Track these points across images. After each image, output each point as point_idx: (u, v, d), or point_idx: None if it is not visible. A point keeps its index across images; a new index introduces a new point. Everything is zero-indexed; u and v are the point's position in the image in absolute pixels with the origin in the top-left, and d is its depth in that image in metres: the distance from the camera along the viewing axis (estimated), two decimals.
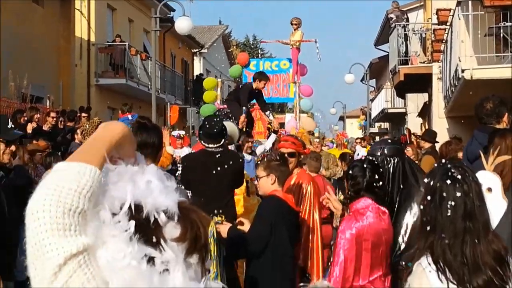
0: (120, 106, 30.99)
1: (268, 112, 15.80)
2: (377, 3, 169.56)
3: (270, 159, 6.75)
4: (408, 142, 17.24)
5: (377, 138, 35.62)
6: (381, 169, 5.40)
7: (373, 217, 5.20)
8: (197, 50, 47.67)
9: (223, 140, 8.72)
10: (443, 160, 3.42)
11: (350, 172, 5.46)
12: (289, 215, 6.49)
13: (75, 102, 26.99)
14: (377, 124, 50.48)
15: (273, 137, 13.27)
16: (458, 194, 3.16)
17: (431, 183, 3.26)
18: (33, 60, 23.42)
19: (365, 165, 5.37)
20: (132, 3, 35.00)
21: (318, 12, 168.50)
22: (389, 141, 6.05)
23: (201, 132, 8.92)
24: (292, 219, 6.57)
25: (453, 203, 3.15)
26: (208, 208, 7.84)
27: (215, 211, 8.00)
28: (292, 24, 20.09)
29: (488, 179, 4.72)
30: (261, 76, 15.89)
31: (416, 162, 14.41)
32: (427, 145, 13.64)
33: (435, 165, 3.44)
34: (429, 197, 3.23)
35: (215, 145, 8.53)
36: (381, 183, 5.31)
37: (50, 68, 25.62)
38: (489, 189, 4.63)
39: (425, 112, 28.65)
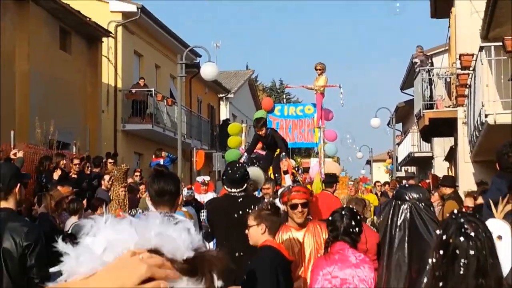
0: (146, 152, 31.42)
1: (283, 154, 15.83)
2: (404, 47, 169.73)
3: (261, 208, 6.66)
4: (432, 187, 17.19)
5: (404, 182, 35.49)
6: (358, 217, 6.02)
7: (343, 258, 5.73)
8: (223, 95, 48.00)
9: (245, 184, 8.91)
10: (456, 212, 3.41)
11: (330, 218, 6.12)
12: (284, 264, 6.41)
13: (102, 148, 27.25)
14: (403, 168, 50.31)
15: (287, 178, 13.29)
16: (472, 252, 3.13)
17: (444, 237, 3.22)
18: (60, 106, 23.72)
19: (343, 212, 6.04)
20: (159, 49, 35.44)
21: (343, 57, 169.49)
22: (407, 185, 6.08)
23: (224, 177, 9.14)
24: (286, 268, 6.49)
25: (466, 261, 3.12)
26: (230, 252, 7.95)
27: (236, 254, 8.16)
28: (316, 69, 20.15)
29: (498, 227, 4.76)
30: (254, 123, 16.11)
31: (440, 207, 14.47)
32: (448, 190, 13.66)
33: (448, 215, 3.44)
34: (441, 252, 3.20)
35: (238, 190, 8.74)
36: (357, 229, 5.88)
37: (77, 114, 25.92)
38: (499, 237, 4.67)
39: (452, 156, 28.58)
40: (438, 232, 3.31)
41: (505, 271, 3.43)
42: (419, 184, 21.62)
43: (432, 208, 5.40)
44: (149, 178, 5.90)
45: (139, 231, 2.10)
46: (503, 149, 6.99)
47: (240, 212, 8.53)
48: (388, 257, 5.31)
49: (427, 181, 22.88)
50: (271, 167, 15.92)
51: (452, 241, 3.18)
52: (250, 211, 8.40)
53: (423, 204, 5.25)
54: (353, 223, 5.95)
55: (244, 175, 8.91)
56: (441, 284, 3.18)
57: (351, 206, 10.35)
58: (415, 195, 5.30)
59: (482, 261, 3.13)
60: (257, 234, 6.50)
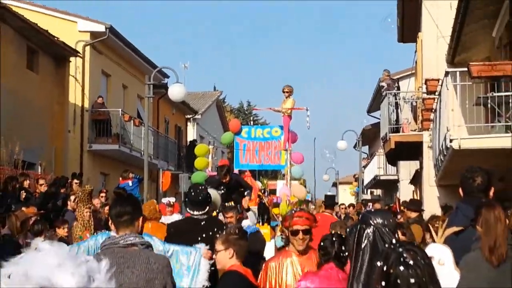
0: (112, 172, 31.23)
1: (248, 192, 15.83)
2: (371, 70, 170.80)
3: (228, 232, 6.64)
4: (398, 211, 17.24)
5: (370, 205, 35.72)
6: (345, 242, 6.34)
7: (329, 275, 6.10)
8: (190, 116, 47.98)
9: (208, 207, 8.92)
10: (394, 242, 3.42)
11: (322, 244, 6.41)
12: None
13: (67, 168, 27.06)
14: (369, 191, 50.53)
15: (251, 214, 13.34)
16: (412, 280, 3.13)
17: (384, 268, 3.23)
18: (26, 126, 23.56)
19: (334, 238, 6.38)
20: (127, 70, 35.35)
21: (311, 79, 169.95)
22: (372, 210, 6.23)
23: (186, 199, 9.16)
24: None
25: None
26: None
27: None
28: (284, 92, 20.21)
29: (440, 251, 4.82)
30: (217, 170, 16.10)
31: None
32: (413, 214, 13.69)
33: (386, 246, 3.46)
34: (383, 283, 3.20)
35: (200, 212, 8.75)
36: (346, 254, 6.19)
37: (43, 134, 25.75)
38: (441, 262, 4.73)
39: (417, 179, 28.73)
40: (378, 263, 3.31)
41: None
42: (386, 208, 21.73)
43: (396, 234, 5.42)
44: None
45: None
46: (467, 174, 6.99)
47: (204, 235, 8.53)
48: (352, 282, 5.33)
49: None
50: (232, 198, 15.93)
51: (392, 271, 3.19)
52: (213, 233, 8.41)
53: (387, 229, 5.29)
54: (343, 248, 6.26)
55: (206, 198, 8.95)
56: None
57: (335, 230, 10.38)
58: (379, 220, 5.33)
59: None
60: (224, 258, 6.46)
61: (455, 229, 5.67)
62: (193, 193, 8.89)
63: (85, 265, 2.47)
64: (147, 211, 12.33)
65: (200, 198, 8.82)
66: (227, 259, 6.43)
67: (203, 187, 9.49)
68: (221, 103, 61.55)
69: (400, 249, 3.26)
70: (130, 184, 20.89)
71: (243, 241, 6.57)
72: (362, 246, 5.19)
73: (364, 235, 5.24)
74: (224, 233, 6.74)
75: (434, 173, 21.66)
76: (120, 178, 21.48)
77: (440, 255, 4.76)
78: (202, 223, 8.72)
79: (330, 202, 15.81)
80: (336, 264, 6.20)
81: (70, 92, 28.68)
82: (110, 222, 6.13)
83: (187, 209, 9.17)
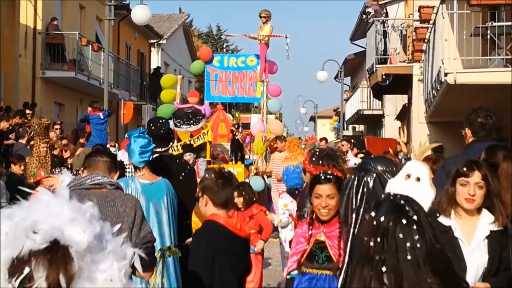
0: (68, 102, 31.00)
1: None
2: None
3: (204, 177, 6.20)
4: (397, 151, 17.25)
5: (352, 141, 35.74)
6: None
7: None
8: (155, 41, 47.46)
9: (171, 143, 8.78)
10: (392, 193, 3.39)
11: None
12: (230, 242, 5.87)
13: (18, 96, 26.84)
14: (351, 126, 50.58)
15: None
16: (416, 236, 3.12)
17: (381, 219, 3.18)
18: None
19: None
20: None
21: (289, 3, 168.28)
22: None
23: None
24: (235, 246, 5.93)
25: (410, 245, 3.12)
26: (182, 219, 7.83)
27: (184, 222, 8.09)
28: (260, 16, 20.04)
29: (416, 168, 5.00)
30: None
31: None
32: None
33: (383, 196, 3.47)
34: (378, 239, 3.15)
35: (163, 149, 8.59)
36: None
37: None
38: (418, 179, 4.92)
39: (404, 115, 28.81)
40: (372, 214, 3.27)
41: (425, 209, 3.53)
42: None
43: None
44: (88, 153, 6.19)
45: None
46: (491, 114, 6.96)
47: (183, 174, 8.41)
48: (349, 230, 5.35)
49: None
50: None
51: (392, 225, 3.17)
52: (187, 172, 8.32)
53: (388, 175, 5.30)
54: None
55: (168, 132, 8.79)
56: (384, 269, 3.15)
57: None
58: (380, 167, 5.34)
59: (429, 246, 3.14)
60: (201, 207, 6.05)
61: (434, 145, 5.84)
62: (153, 128, 8.63)
63: (97, 223, 2.45)
64: None
65: (162, 132, 8.62)
66: (203, 207, 6.01)
67: (163, 120, 9.25)
68: (188, 27, 61.06)
69: (402, 202, 3.27)
70: (102, 116, 20.65)
71: (219, 187, 5.98)
72: (360, 194, 5.21)
73: (363, 183, 5.25)
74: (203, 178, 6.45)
75: (424, 109, 21.69)
76: (90, 109, 21.08)
77: (417, 172, 4.96)
78: (177, 161, 8.61)
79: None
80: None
81: (22, 12, 28.24)
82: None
83: None
